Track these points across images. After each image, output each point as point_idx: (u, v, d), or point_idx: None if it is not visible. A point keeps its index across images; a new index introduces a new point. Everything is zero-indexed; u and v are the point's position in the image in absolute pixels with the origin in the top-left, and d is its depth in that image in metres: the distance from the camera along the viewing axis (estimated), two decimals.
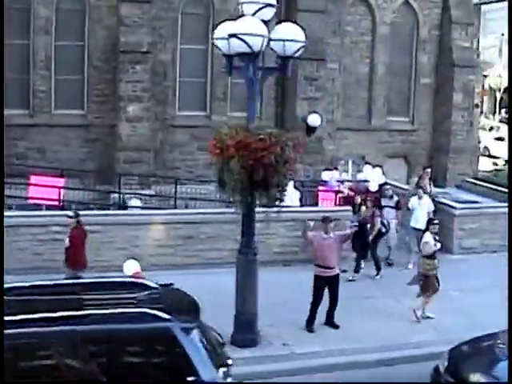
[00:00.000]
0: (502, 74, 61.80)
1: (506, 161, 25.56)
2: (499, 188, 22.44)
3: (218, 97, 22.83)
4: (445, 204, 19.09)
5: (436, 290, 13.78)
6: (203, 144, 22.11)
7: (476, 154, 25.58)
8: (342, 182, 22.26)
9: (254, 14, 11.54)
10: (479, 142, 30.12)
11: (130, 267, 11.28)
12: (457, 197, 22.66)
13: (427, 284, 13.76)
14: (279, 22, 12.27)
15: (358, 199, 17.14)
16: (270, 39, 11.84)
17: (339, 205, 21.55)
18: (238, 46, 11.29)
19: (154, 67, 22.03)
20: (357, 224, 16.32)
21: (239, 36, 11.15)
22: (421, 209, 17.16)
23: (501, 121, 50.99)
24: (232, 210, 12.31)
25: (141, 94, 21.69)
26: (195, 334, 7.89)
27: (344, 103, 24.01)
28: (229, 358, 8.63)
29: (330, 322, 13.30)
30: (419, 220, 16.99)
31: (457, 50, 24.39)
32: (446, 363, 10.06)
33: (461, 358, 10.12)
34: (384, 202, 18.06)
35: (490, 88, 64.34)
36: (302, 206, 19.79)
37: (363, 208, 16.69)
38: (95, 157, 22.21)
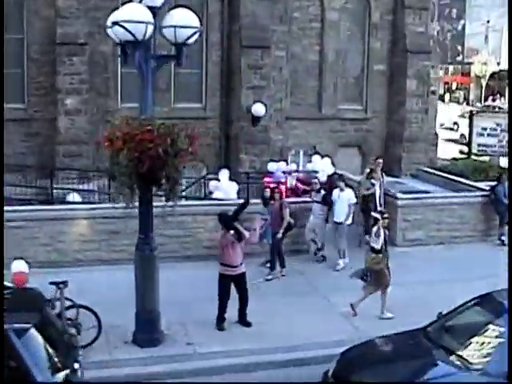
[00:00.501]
0: (488, 61, 61.82)
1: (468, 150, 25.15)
2: (455, 178, 22.15)
3: (160, 88, 22.54)
4: (388, 195, 18.85)
5: (388, 285, 13.59)
6: None
7: (433, 142, 25.23)
8: (289, 173, 22.05)
9: (140, 1, 11.29)
10: (455, 127, 29.87)
11: (15, 267, 11.10)
12: (410, 187, 22.51)
13: (377, 279, 13.57)
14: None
15: (268, 192, 16.67)
16: (162, 26, 11.53)
17: (287, 197, 21.39)
18: (121, 34, 11.06)
19: (93, 59, 21.83)
20: (267, 218, 15.98)
21: (121, 24, 10.90)
22: (341, 202, 16.87)
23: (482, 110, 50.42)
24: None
25: (79, 86, 21.56)
26: (30, 336, 7.70)
27: (293, 92, 23.78)
28: (77, 361, 8.44)
29: (242, 320, 13.21)
30: (338, 214, 16.83)
31: (410, 35, 24.11)
32: (334, 366, 9.88)
33: (349, 361, 9.94)
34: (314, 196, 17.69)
35: (476, 75, 64.27)
36: (239, 198, 19.57)
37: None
38: (36, 151, 22.17)
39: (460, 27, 67.12)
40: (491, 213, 19.55)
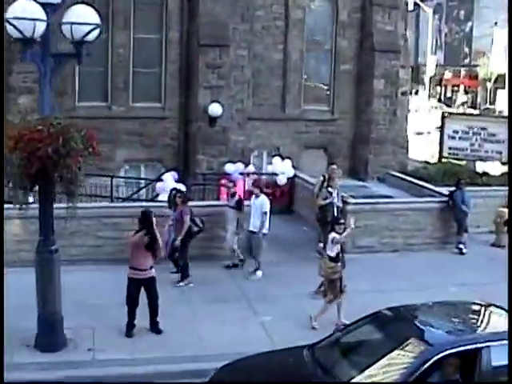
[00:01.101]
0: (493, 64, 61.43)
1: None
2: (419, 182, 22.01)
3: (118, 86, 22.65)
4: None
5: (337, 296, 13.52)
6: (103, 135, 22.05)
7: (404, 144, 25.01)
8: (247, 174, 22.01)
9: None
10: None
11: None
12: (373, 191, 22.39)
13: (333, 288, 13.52)
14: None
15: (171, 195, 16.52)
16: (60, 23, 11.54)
17: (246, 199, 21.37)
18: (11, 31, 11.07)
19: None
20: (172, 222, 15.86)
21: (9, 21, 10.93)
22: (254, 209, 16.54)
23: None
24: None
25: (32, 85, 21.53)
26: None
27: (255, 92, 23.72)
28: None
29: (153, 327, 13.14)
30: (252, 222, 16.52)
31: (378, 34, 23.98)
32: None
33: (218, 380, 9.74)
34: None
35: (483, 78, 63.89)
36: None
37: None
38: None
39: (468, 29, 66.89)
40: (450, 219, 19.42)
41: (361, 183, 23.05)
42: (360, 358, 9.32)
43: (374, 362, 8.88)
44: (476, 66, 64.27)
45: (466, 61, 65.80)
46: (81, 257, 16.40)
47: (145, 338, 12.87)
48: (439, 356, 8.61)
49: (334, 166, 18.38)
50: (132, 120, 22.74)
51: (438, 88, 69.40)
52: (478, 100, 64.57)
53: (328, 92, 24.52)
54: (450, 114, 26.07)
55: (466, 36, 67.67)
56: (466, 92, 67.17)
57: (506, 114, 44.86)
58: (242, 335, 13.05)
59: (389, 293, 14.72)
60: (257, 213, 16.43)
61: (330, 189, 17.50)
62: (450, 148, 24.05)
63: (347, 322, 12.48)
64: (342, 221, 14.25)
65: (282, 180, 22.10)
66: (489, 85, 63.18)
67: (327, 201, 17.39)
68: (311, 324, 13.34)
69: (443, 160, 24.88)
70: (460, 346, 8.79)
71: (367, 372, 8.74)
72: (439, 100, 63.74)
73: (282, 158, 22.49)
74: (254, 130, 23.49)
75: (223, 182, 20.03)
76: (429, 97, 65.85)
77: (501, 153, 23.54)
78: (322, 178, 18.02)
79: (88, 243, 16.65)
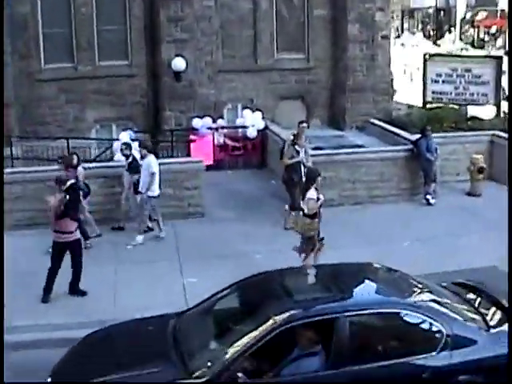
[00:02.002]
0: None
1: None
2: (395, 130, 21.69)
3: (83, 46, 22.68)
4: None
5: (313, 249, 13.45)
6: (72, 97, 22.28)
7: (386, 91, 24.53)
8: (216, 129, 22.00)
9: None
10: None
11: None
12: (347, 141, 22.14)
13: (307, 245, 13.48)
14: None
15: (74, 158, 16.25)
16: None
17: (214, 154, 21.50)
18: None
19: (12, 20, 21.92)
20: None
21: None
22: (143, 170, 16.18)
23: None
24: None
25: None
26: None
27: (225, 43, 23.56)
28: None
29: (73, 289, 13.36)
30: (141, 183, 16.14)
31: None
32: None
33: (77, 352, 9.72)
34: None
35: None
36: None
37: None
38: None
39: None
40: (418, 169, 19.11)
41: (338, 133, 22.79)
42: (208, 331, 9.24)
43: (221, 336, 8.91)
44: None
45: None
46: (26, 221, 16.71)
47: (60, 303, 13.10)
48: (280, 329, 8.46)
49: (304, 124, 17.91)
50: (100, 79, 22.85)
51: (471, 30, 67.44)
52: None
53: (302, 39, 24.00)
54: (432, 55, 25.31)
55: None
56: (498, 33, 65.04)
57: None
58: (163, 297, 13.08)
59: (343, 249, 14.77)
60: (143, 173, 16.06)
61: (297, 147, 16.93)
62: (433, 92, 23.64)
63: None
64: (319, 173, 13.76)
65: (251, 133, 22.07)
66: None
67: (294, 160, 16.85)
68: None
69: (435, 105, 24.35)
70: (305, 317, 8.64)
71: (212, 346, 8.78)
72: (472, 44, 61.88)
73: (253, 111, 22.36)
74: (226, 83, 23.39)
75: None
76: (460, 39, 64.05)
77: (486, 95, 23.02)
78: (292, 137, 17.42)
79: (34, 207, 16.60)
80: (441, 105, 24.15)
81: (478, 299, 10.10)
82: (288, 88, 23.96)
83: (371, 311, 8.86)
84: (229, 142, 22.19)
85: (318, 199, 13.32)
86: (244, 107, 22.86)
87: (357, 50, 23.63)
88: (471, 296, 10.18)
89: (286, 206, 16.77)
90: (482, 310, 9.62)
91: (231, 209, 18.55)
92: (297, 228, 13.65)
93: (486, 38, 64.05)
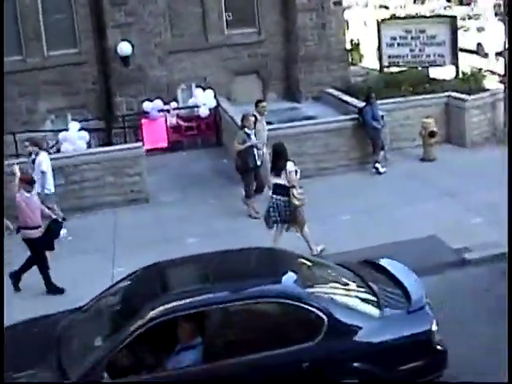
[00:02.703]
0: None
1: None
2: (349, 99, 21.14)
3: (30, 37, 22.28)
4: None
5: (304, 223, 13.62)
6: (24, 89, 21.93)
7: (342, 58, 23.91)
8: (167, 110, 21.61)
9: None
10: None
11: None
12: (301, 112, 21.71)
13: (297, 217, 13.49)
14: None
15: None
16: None
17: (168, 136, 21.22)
18: None
19: None
20: None
21: None
22: (35, 169, 15.62)
23: None
24: None
25: None
26: None
27: (174, 23, 23.11)
28: None
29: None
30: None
31: None
32: None
33: None
34: None
35: None
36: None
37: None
38: None
39: None
40: (365, 138, 18.65)
41: (293, 105, 22.29)
42: (89, 328, 9.00)
43: (98, 334, 8.64)
44: None
45: None
46: None
47: None
48: (154, 323, 8.22)
49: (263, 104, 17.19)
50: (50, 69, 22.59)
51: None
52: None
53: (252, 12, 23.44)
54: (384, 19, 24.67)
55: None
56: None
57: None
58: (89, 290, 12.69)
59: None
60: (36, 173, 15.37)
61: (246, 130, 16.04)
62: (389, 56, 23.07)
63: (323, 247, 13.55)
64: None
65: (203, 112, 21.69)
66: None
67: (246, 145, 15.97)
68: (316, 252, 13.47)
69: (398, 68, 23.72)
70: (179, 310, 8.38)
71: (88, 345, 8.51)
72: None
73: (204, 89, 21.93)
74: (178, 63, 23.02)
75: None
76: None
77: (443, 56, 22.40)
78: (252, 118, 16.41)
79: None
80: (404, 68, 23.49)
81: (379, 280, 9.78)
82: (241, 63, 23.55)
83: (248, 301, 8.56)
84: (182, 123, 21.87)
85: (296, 171, 13.34)
86: (198, 86, 22.36)
87: (306, 19, 23.14)
88: (372, 276, 9.86)
89: (243, 194, 16.32)
90: (379, 292, 9.28)
91: (178, 192, 18.41)
92: (297, 202, 13.34)
93: None
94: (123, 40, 21.67)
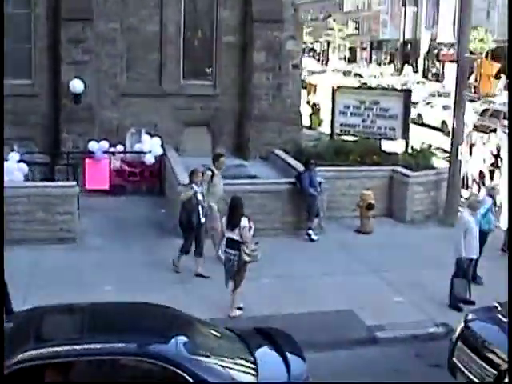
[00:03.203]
0: (485, 39, 59.16)
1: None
2: (293, 162, 20.98)
3: None
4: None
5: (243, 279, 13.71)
6: None
7: (296, 121, 23.83)
8: (113, 153, 21.32)
9: None
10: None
11: None
12: (245, 170, 21.43)
13: (239, 274, 13.59)
14: None
15: None
16: None
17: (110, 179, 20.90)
18: None
19: None
20: None
21: None
22: None
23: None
24: None
25: None
26: None
27: (130, 66, 23.00)
28: None
29: None
30: None
31: (258, 3, 22.91)
32: None
33: None
34: None
35: (471, 52, 61.32)
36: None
37: None
38: None
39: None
40: (301, 203, 18.45)
41: (240, 162, 22.05)
42: None
43: None
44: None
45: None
46: None
47: None
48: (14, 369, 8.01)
49: (223, 158, 16.87)
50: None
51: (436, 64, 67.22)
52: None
53: (210, 66, 23.35)
54: (339, 87, 24.67)
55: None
56: None
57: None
58: None
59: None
60: None
61: (194, 186, 15.53)
62: (341, 124, 22.96)
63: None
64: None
65: (149, 159, 21.42)
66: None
67: (189, 195, 15.45)
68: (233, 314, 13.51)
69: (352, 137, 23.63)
70: (38, 358, 8.17)
71: None
72: (424, 76, 61.71)
73: (152, 136, 21.71)
74: (130, 107, 22.79)
75: None
76: (423, 73, 63.90)
77: (394, 129, 22.37)
78: (210, 173, 16.27)
79: None
80: (357, 138, 23.45)
81: (264, 351, 9.64)
82: (193, 114, 23.36)
83: (117, 357, 8.47)
84: (125, 167, 21.53)
85: (250, 227, 13.51)
86: (148, 133, 22.12)
87: (263, 79, 23.01)
88: (258, 346, 9.71)
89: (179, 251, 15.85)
90: (260, 363, 9.11)
91: (107, 236, 18.06)
92: (247, 258, 13.46)
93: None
94: (76, 77, 21.40)
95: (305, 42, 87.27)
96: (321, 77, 46.61)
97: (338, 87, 24.15)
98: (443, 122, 38.07)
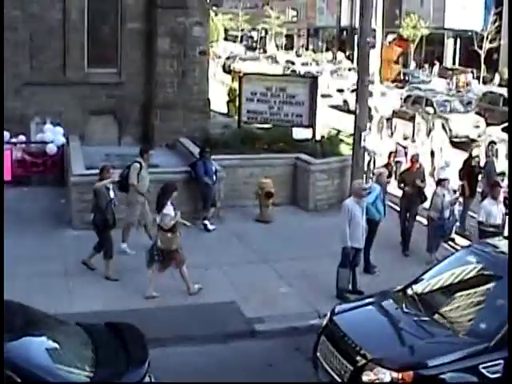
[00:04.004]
0: (419, 25, 59.33)
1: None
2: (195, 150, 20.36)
3: None
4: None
5: (181, 262, 13.74)
6: None
7: (204, 109, 23.21)
8: (14, 143, 20.52)
9: None
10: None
11: None
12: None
13: (169, 258, 13.59)
14: None
15: None
16: None
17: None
18: None
19: None
20: None
21: None
22: None
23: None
24: None
25: None
26: None
27: (34, 55, 22.07)
28: None
29: None
30: None
31: None
32: None
33: None
34: None
35: (405, 39, 61.47)
36: None
37: None
38: None
39: None
40: (197, 192, 17.88)
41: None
42: None
43: None
44: (398, 27, 62.12)
45: (397, 22, 63.48)
46: None
47: None
48: None
49: (151, 152, 16.58)
50: None
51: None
52: (401, 61, 62.62)
53: (115, 53, 22.60)
54: (246, 74, 24.10)
55: None
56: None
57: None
58: None
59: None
60: None
61: (106, 182, 14.80)
62: (248, 111, 22.39)
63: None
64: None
65: (51, 149, 20.68)
66: (412, 46, 61.16)
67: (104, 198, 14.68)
68: (150, 295, 13.56)
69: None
70: None
71: None
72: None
73: (54, 126, 20.95)
74: (34, 96, 21.86)
75: None
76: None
77: (301, 116, 21.88)
78: (138, 165, 15.84)
79: None
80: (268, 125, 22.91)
81: (110, 346, 9.35)
82: (99, 103, 22.58)
83: None
84: (27, 158, 20.71)
85: (176, 215, 13.51)
86: (53, 122, 21.31)
87: (167, 66, 22.32)
88: (105, 341, 9.44)
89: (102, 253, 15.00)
90: (102, 359, 8.92)
91: None
92: (161, 245, 13.48)
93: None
94: None
95: (242, 30, 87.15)
96: (247, 64, 45.88)
97: (245, 74, 23.58)
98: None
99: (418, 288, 10.75)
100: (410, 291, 10.75)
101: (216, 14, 69.43)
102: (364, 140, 19.96)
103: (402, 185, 17.27)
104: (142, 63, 22.86)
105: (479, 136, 30.48)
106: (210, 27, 28.44)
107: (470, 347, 9.10)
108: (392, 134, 29.88)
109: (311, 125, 21.86)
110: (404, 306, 10.36)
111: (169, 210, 13.42)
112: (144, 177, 15.98)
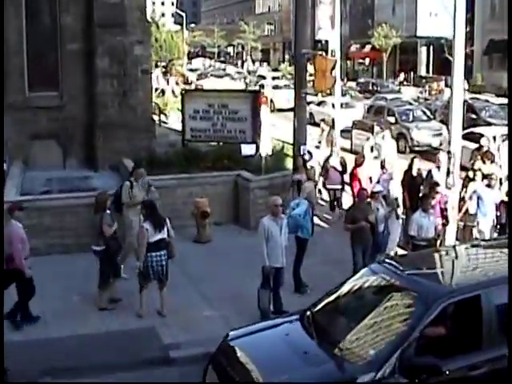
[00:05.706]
0: (390, 35, 59.12)
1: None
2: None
3: None
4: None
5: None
6: None
7: (149, 128, 22.70)
8: None
9: None
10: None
11: None
12: (89, 183, 20.27)
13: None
14: None
15: None
16: None
17: None
18: None
19: None
20: None
21: None
22: None
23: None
24: None
25: None
26: None
27: None
28: None
29: None
30: None
31: (100, 7, 21.75)
32: None
33: None
34: None
35: (377, 49, 61.25)
36: None
37: None
38: None
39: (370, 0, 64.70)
40: None
41: (88, 173, 20.88)
42: None
43: None
44: (371, 37, 61.85)
45: (369, 33, 63.20)
46: None
47: None
48: None
49: (141, 170, 16.47)
50: None
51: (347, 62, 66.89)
52: (375, 71, 62.40)
53: (55, 75, 22.09)
54: (188, 91, 23.60)
55: (368, 7, 65.29)
56: (372, 65, 64.68)
57: None
58: None
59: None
60: None
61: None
62: (192, 129, 21.80)
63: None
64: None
65: None
66: (384, 56, 60.89)
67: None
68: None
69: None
70: None
71: None
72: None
73: None
74: None
75: None
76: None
77: (244, 132, 21.29)
78: (128, 183, 15.85)
79: None
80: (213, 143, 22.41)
81: None
82: (41, 127, 22.01)
83: None
84: None
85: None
86: None
87: (107, 85, 21.79)
88: None
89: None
90: None
91: None
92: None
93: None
94: None
95: (219, 46, 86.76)
96: (207, 81, 45.37)
97: (186, 91, 23.06)
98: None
99: (316, 311, 10.22)
100: (308, 313, 10.22)
101: (193, 31, 69.10)
102: (304, 154, 19.51)
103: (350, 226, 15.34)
104: (83, 84, 22.37)
105: (441, 144, 29.97)
106: (170, 45, 28.06)
107: (354, 376, 8.53)
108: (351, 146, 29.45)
109: (254, 141, 21.32)
110: (297, 331, 9.79)
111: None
112: (136, 195, 15.72)
